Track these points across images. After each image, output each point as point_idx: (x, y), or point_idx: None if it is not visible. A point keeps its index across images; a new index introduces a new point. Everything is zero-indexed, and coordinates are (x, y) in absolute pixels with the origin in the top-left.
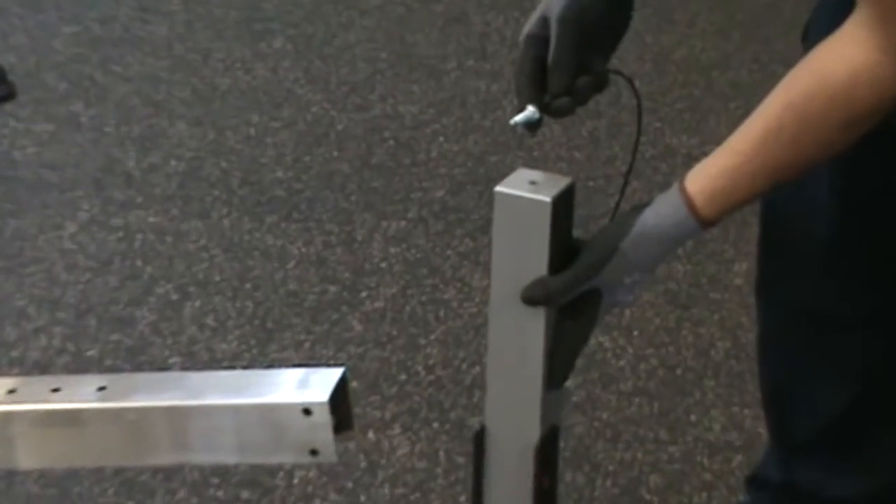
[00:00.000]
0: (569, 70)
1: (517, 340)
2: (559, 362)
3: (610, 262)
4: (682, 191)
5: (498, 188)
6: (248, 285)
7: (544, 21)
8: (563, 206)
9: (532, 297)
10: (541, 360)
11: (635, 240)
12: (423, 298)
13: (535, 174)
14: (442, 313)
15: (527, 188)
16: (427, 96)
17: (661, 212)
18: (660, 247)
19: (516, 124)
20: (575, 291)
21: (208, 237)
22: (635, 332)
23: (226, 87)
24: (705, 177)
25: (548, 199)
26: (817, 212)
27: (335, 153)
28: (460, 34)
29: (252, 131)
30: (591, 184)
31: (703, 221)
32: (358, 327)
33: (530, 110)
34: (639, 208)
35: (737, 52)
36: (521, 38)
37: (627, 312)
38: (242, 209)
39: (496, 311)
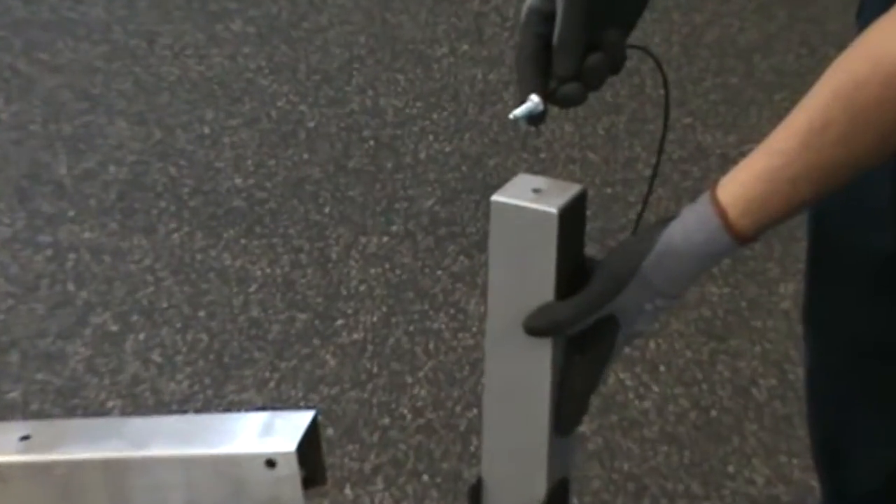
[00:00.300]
0: (577, 48)
1: (519, 378)
2: (569, 403)
3: (629, 285)
4: (714, 201)
5: (495, 197)
6: (201, 313)
7: None
8: (573, 218)
9: (536, 327)
10: (547, 400)
11: (659, 259)
12: (410, 328)
13: (540, 180)
14: (432, 345)
15: (529, 197)
16: (413, 87)
17: (690, 226)
18: (688, 267)
19: (517, 118)
20: (587, 320)
21: (154, 256)
22: (661, 368)
23: (174, 78)
24: (739, 183)
25: (554, 209)
26: (877, 224)
27: (305, 156)
28: (452, 13)
29: (206, 130)
30: (608, 191)
31: (739, 237)
32: (332, 363)
33: (533, 101)
34: (663, 222)
35: (781, 32)
36: (523, 13)
37: (652, 344)
38: (195, 223)
39: (494, 344)
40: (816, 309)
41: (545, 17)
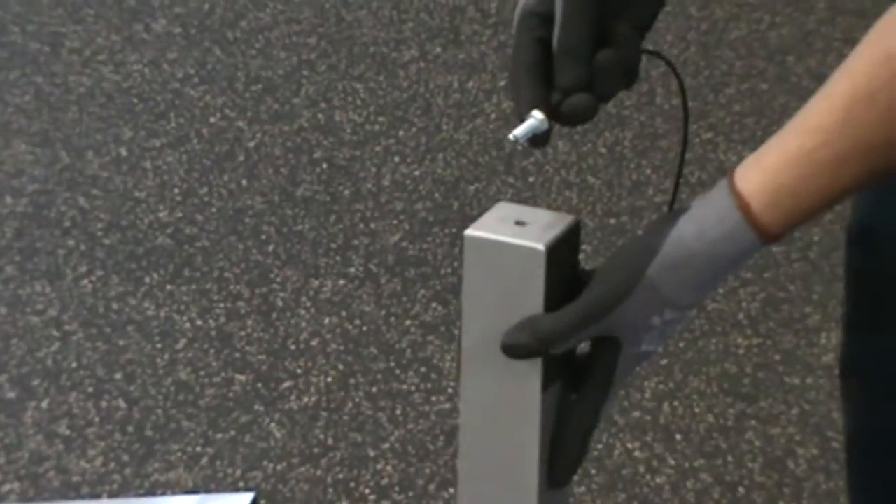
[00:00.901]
0: (584, 52)
1: (502, 419)
2: (564, 446)
3: (632, 293)
4: (733, 190)
5: (469, 231)
6: (118, 375)
7: None
8: (564, 255)
9: (516, 344)
10: (537, 444)
11: (668, 262)
12: (373, 390)
13: (524, 210)
14: (399, 412)
15: (511, 231)
16: (375, 99)
17: (705, 221)
18: (703, 271)
19: (517, 139)
20: (579, 335)
21: (60, 306)
22: (678, 436)
23: (84, 90)
24: (765, 169)
25: (541, 246)
26: None
27: (244, 182)
28: (422, 8)
29: (123, 152)
30: (611, 222)
31: (764, 233)
32: (278, 434)
33: (536, 118)
34: (672, 217)
35: (821, 27)
36: (516, 17)
37: (666, 406)
38: (110, 265)
39: (470, 383)
40: (859, 359)
41: (544, 19)
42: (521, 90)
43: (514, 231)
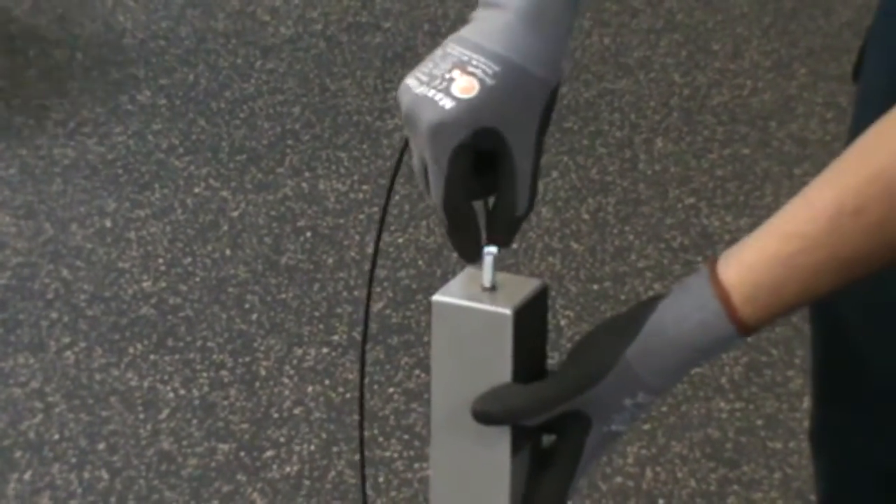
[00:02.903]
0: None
1: (471, 487)
2: None
3: (608, 375)
4: (715, 281)
5: (437, 297)
6: (101, 446)
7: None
8: (532, 319)
9: (486, 412)
10: None
11: (646, 347)
12: (355, 458)
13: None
14: (382, 479)
15: (478, 296)
16: (359, 167)
17: (684, 308)
18: (680, 358)
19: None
20: (551, 411)
21: (43, 377)
22: (661, 501)
23: (69, 161)
24: (747, 266)
25: (508, 310)
26: None
27: (227, 252)
28: (404, 77)
29: (107, 223)
30: (594, 287)
31: (742, 326)
32: (260, 502)
33: (492, 253)
34: (652, 302)
35: (801, 94)
36: (439, 135)
37: (649, 472)
38: (93, 337)
39: (439, 461)
40: (827, 429)
41: (476, 154)
42: (464, 242)
43: (482, 296)
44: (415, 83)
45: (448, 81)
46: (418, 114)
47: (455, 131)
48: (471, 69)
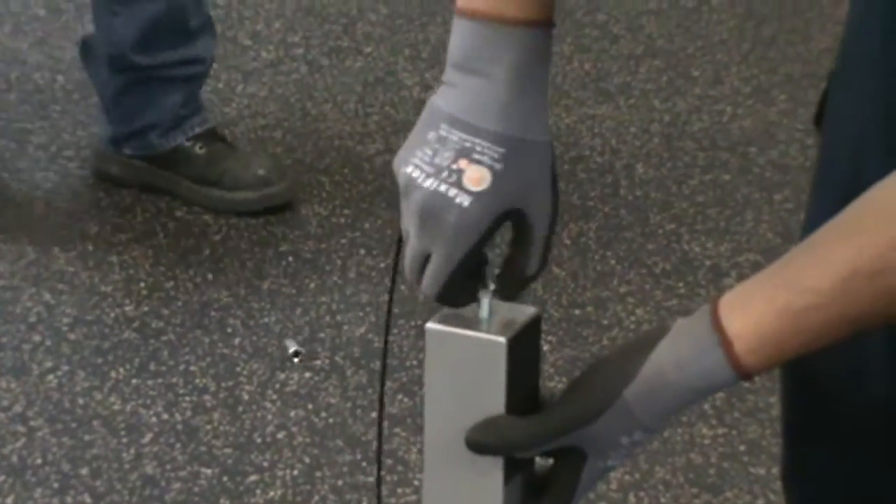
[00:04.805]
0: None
1: None
2: None
3: (605, 413)
4: (718, 328)
5: (430, 325)
6: (83, 471)
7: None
8: (525, 348)
9: (481, 442)
10: None
11: (645, 388)
12: (339, 483)
13: (486, 302)
14: None
15: (471, 324)
16: (341, 191)
17: (684, 352)
18: (678, 400)
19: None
20: (546, 445)
21: (26, 401)
22: None
23: (50, 185)
24: (752, 315)
25: (502, 339)
26: (867, 364)
27: (209, 276)
28: (387, 101)
29: (89, 247)
30: (576, 312)
31: (742, 373)
32: None
33: (487, 295)
34: (650, 340)
35: (782, 120)
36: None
37: (632, 497)
38: (75, 361)
39: (431, 492)
40: (797, 466)
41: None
42: (459, 296)
43: (475, 324)
44: (420, 175)
45: (457, 174)
46: (437, 213)
47: (478, 227)
48: (476, 157)
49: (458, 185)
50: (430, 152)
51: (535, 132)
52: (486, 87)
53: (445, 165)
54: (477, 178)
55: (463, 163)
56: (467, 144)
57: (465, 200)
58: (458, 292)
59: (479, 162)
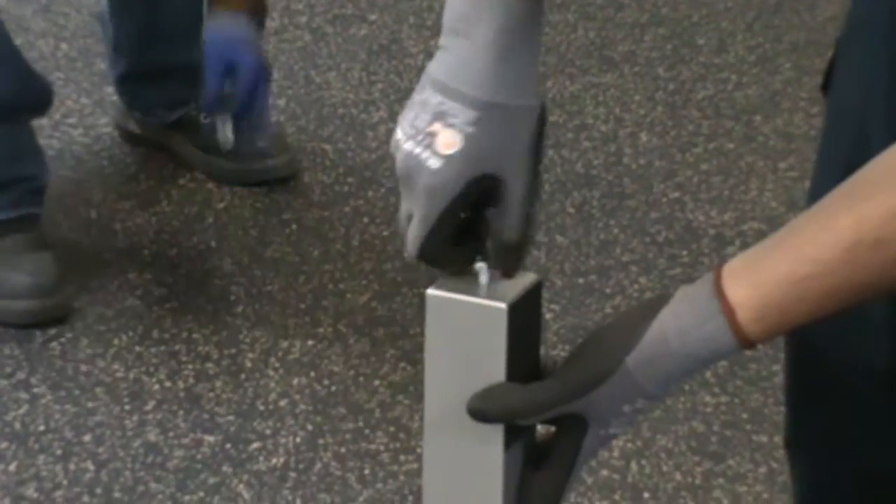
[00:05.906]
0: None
1: (464, 482)
2: None
3: (607, 381)
4: (721, 296)
5: (431, 290)
6: (86, 437)
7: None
8: (526, 314)
9: (482, 410)
10: None
11: (647, 355)
12: (342, 450)
13: (484, 268)
14: (368, 471)
15: (472, 290)
16: (344, 159)
17: (686, 320)
18: (680, 367)
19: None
20: (548, 413)
21: (29, 368)
22: (646, 494)
23: (53, 153)
24: (755, 284)
25: (503, 304)
26: (871, 338)
27: (213, 243)
28: (391, 69)
29: (93, 214)
30: (579, 281)
31: (746, 341)
32: (246, 494)
33: (484, 272)
34: (652, 307)
35: (786, 88)
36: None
37: (634, 465)
38: (78, 328)
39: (432, 459)
40: (801, 432)
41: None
42: (440, 258)
43: (476, 290)
44: (402, 137)
45: (430, 137)
46: (412, 175)
47: (447, 191)
48: (450, 121)
49: (430, 147)
50: (411, 115)
51: (516, 97)
52: (467, 48)
53: (422, 128)
54: (449, 142)
55: (437, 126)
56: (444, 108)
57: (435, 163)
58: (438, 254)
59: (451, 126)
